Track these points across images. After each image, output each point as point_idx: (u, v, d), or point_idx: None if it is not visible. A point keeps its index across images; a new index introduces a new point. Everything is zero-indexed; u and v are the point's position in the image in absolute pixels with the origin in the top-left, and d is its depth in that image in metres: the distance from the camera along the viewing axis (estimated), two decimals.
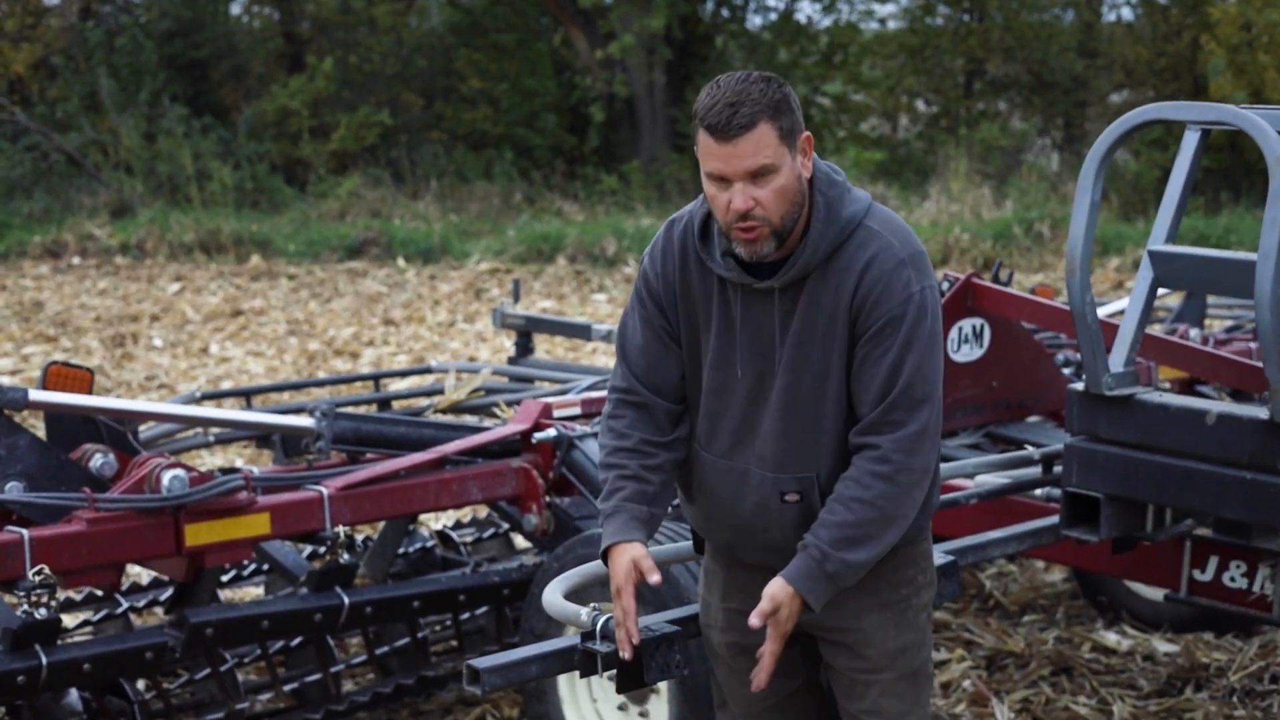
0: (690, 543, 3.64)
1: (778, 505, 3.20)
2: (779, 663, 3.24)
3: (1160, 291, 4.49)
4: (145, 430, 6.22)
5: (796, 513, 3.20)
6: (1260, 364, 4.21)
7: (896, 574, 3.29)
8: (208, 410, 6.18)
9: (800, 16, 25.23)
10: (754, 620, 3.09)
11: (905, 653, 3.32)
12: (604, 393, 5.71)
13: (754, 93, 3.00)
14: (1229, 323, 7.89)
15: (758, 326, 3.17)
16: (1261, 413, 4.03)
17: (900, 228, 3.15)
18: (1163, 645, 5.96)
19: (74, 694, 4.66)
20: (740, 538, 3.31)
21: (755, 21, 25.51)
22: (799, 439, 3.17)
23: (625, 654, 3.19)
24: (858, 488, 3.10)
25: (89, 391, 5.29)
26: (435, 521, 7.25)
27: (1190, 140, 4.31)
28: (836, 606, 3.24)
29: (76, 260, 19.11)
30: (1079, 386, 4.36)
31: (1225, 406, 4.24)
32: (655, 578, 3.15)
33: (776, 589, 3.10)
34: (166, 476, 4.53)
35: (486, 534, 6.14)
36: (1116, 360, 4.30)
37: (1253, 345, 6.38)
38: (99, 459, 4.93)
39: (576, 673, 3.40)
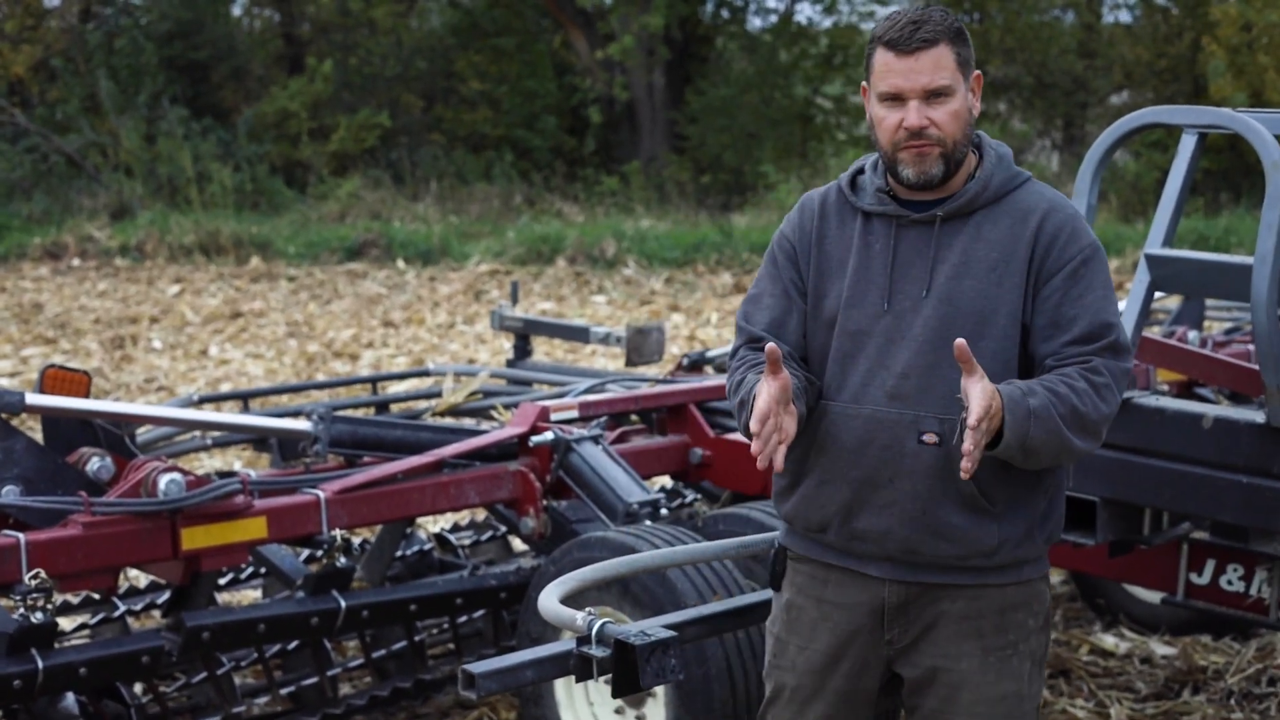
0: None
1: (913, 448, 3.02)
2: (852, 703, 3.20)
3: (1159, 294, 4.49)
4: (143, 433, 6.21)
5: (933, 459, 3.02)
6: (1258, 367, 4.21)
7: (1004, 616, 3.12)
8: (204, 413, 6.17)
9: (800, 18, 25.27)
10: (971, 421, 2.80)
11: (1004, 703, 3.12)
12: (600, 396, 5.73)
13: (935, 17, 3.02)
14: (1228, 324, 7.89)
15: (908, 261, 3.10)
16: (1258, 416, 4.04)
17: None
18: (1160, 648, 5.96)
19: (70, 698, 4.65)
20: (859, 495, 3.09)
21: (755, 23, 25.55)
22: (947, 375, 2.97)
23: (761, 463, 2.91)
24: (1063, 377, 2.97)
25: (86, 395, 5.28)
26: (433, 524, 7.25)
27: (1187, 144, 4.31)
28: (934, 642, 3.13)
29: (76, 262, 19.12)
30: None
31: (1221, 410, 4.24)
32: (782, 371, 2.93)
33: (989, 388, 2.85)
34: (163, 480, 4.52)
35: (484, 537, 6.14)
36: None
37: (1251, 348, 6.38)
38: (96, 462, 4.92)
39: (572, 677, 3.40)
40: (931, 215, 3.08)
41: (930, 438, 3.01)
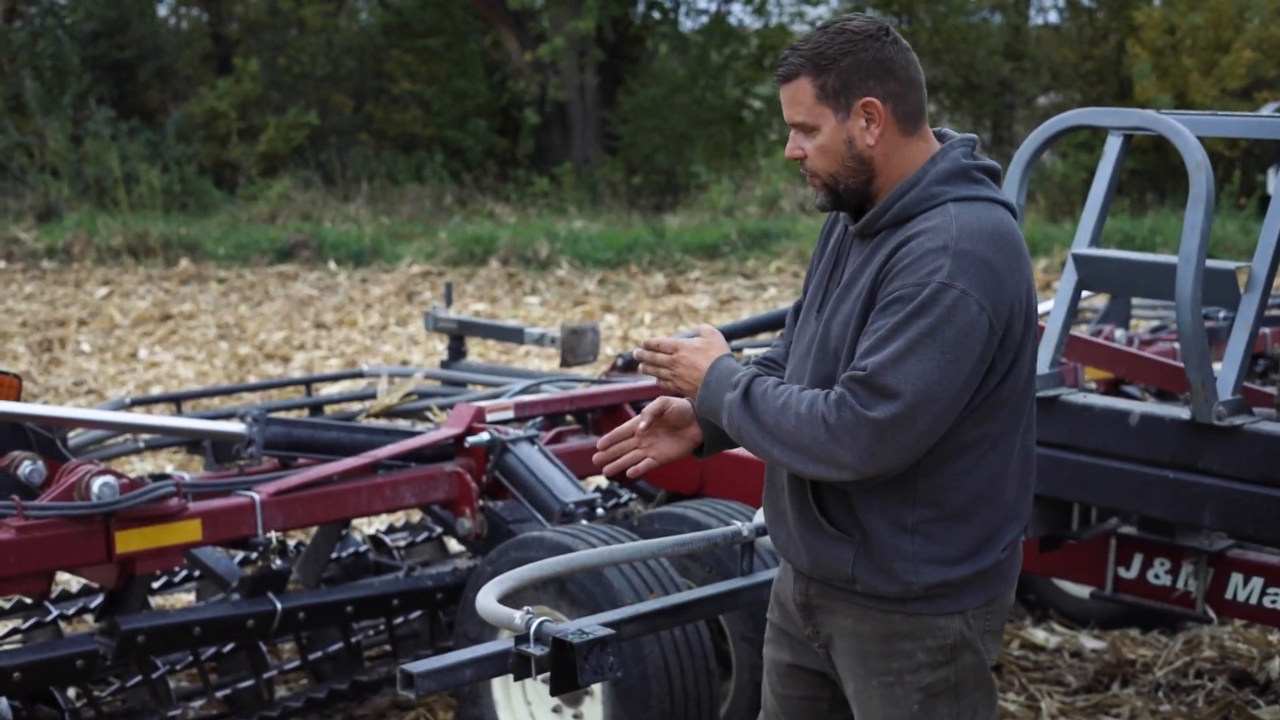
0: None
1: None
2: (812, 702, 3.21)
3: (1087, 293, 4.55)
4: (74, 437, 6.17)
5: (797, 477, 2.96)
6: (1183, 364, 4.28)
7: (888, 644, 2.97)
8: (137, 416, 6.14)
9: (731, 19, 25.32)
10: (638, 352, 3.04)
11: None
12: (535, 396, 5.75)
13: (809, 44, 2.86)
14: (1155, 323, 8.00)
15: (834, 272, 3.00)
16: (1183, 413, 4.10)
17: (977, 228, 2.78)
18: (1090, 642, 6.04)
19: (4, 703, 4.61)
20: (771, 501, 3.11)
21: (687, 24, 25.59)
22: None
23: (605, 471, 3.12)
24: (799, 396, 2.82)
25: (16, 398, 5.24)
26: (368, 526, 7.23)
27: (1113, 145, 4.38)
28: (836, 656, 3.07)
29: (2, 265, 18.86)
30: None
31: (1147, 407, 4.31)
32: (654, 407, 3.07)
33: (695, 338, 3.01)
34: (96, 484, 4.49)
35: (420, 538, 6.13)
36: (1041, 362, 4.36)
37: (1176, 345, 6.47)
38: (27, 466, 4.88)
39: (510, 676, 3.41)
40: (853, 231, 2.96)
41: None
